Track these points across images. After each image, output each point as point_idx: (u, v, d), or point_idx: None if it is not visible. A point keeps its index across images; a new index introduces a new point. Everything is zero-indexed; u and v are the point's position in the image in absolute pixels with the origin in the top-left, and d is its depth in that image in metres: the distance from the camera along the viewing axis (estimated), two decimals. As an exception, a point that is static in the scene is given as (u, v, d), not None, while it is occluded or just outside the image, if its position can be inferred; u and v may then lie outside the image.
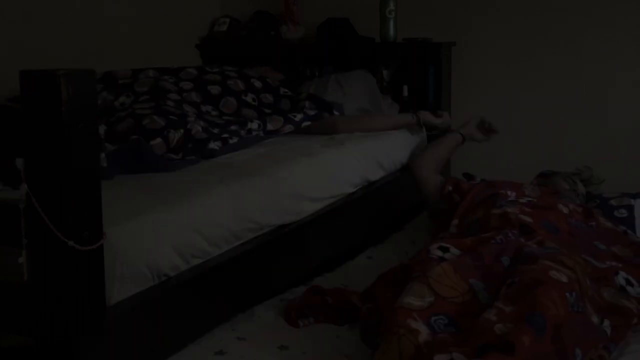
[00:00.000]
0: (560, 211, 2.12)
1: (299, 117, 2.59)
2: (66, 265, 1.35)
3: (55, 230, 1.32)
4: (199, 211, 1.77)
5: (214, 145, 2.21)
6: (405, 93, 3.27)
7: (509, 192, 2.23)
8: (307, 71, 3.38)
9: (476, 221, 2.12)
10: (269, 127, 2.46)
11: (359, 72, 3.11)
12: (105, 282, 1.45)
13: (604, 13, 3.12)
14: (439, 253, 1.86)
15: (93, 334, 1.42)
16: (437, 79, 3.22)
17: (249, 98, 2.51)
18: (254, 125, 2.41)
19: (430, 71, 3.21)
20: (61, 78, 1.30)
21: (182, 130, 2.10)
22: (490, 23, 3.32)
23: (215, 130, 2.27)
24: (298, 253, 2.19)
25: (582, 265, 1.74)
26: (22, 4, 2.66)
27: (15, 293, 1.42)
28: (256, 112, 2.54)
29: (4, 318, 1.46)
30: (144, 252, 1.58)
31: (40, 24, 2.71)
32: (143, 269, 1.58)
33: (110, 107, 2.30)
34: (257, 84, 2.61)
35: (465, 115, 3.38)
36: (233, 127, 2.34)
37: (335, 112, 2.74)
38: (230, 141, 2.31)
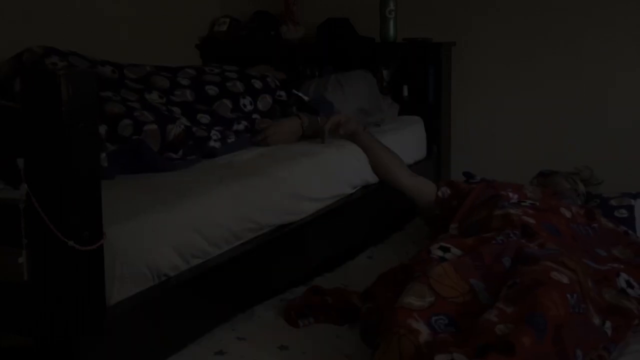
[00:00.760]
0: (563, 215, 2.11)
1: None
2: (66, 265, 1.35)
3: (55, 230, 1.32)
4: (199, 211, 1.77)
5: (214, 143, 2.21)
6: (405, 93, 3.27)
7: (510, 194, 2.23)
8: (307, 71, 3.38)
9: (476, 222, 2.12)
10: (257, 128, 2.46)
11: (359, 72, 3.11)
12: (105, 282, 1.45)
13: (603, 13, 3.12)
14: (440, 253, 1.86)
15: (93, 334, 1.42)
16: (437, 79, 3.22)
17: (247, 101, 2.50)
18: (240, 126, 2.40)
19: (430, 71, 3.21)
20: (61, 78, 1.30)
21: (181, 126, 2.09)
22: (490, 23, 3.32)
23: (203, 128, 2.26)
24: (298, 253, 2.19)
25: (583, 266, 1.74)
26: (22, 4, 2.66)
27: (15, 293, 1.42)
28: (244, 117, 2.50)
29: (4, 318, 1.46)
30: (144, 252, 1.58)
31: (40, 24, 2.71)
32: (143, 269, 1.58)
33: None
34: (258, 84, 2.60)
35: (464, 116, 3.39)
36: (217, 128, 2.33)
37: (322, 115, 2.72)
38: (229, 140, 2.31)
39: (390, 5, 3.21)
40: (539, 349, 1.42)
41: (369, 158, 2.53)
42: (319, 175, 2.31)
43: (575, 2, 3.17)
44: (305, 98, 2.82)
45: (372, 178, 2.60)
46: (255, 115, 2.50)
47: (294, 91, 2.81)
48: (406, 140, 2.98)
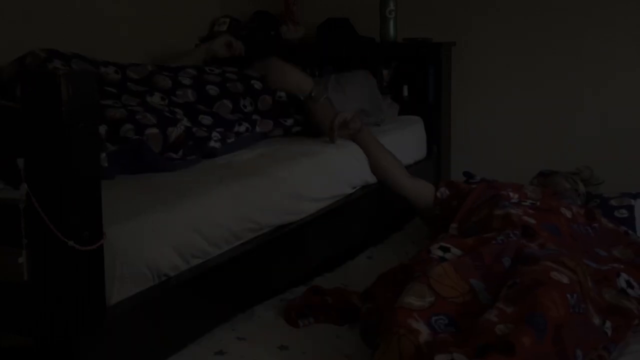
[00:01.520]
0: (564, 215, 2.12)
1: (289, 121, 2.59)
2: (66, 265, 1.35)
3: (55, 230, 1.32)
4: (199, 211, 1.77)
5: (214, 144, 2.21)
6: (405, 93, 3.27)
7: (510, 194, 2.23)
8: (307, 71, 3.38)
9: (474, 224, 2.12)
10: (258, 129, 2.46)
11: (360, 72, 3.11)
12: (105, 282, 1.45)
13: (604, 13, 3.13)
14: (440, 253, 1.86)
15: (93, 334, 1.42)
16: (437, 79, 3.22)
17: (247, 102, 2.50)
18: (241, 128, 2.40)
19: (430, 71, 3.21)
20: (61, 78, 1.30)
21: (182, 127, 2.09)
22: (490, 23, 3.32)
23: (204, 129, 2.26)
24: (298, 253, 2.19)
25: (583, 266, 1.74)
26: (22, 4, 2.66)
27: (15, 293, 1.42)
28: (244, 118, 2.49)
29: (4, 318, 1.46)
30: (144, 252, 1.58)
31: (40, 24, 2.71)
32: (143, 269, 1.58)
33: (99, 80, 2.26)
34: (257, 85, 2.59)
35: (464, 116, 3.39)
36: (219, 129, 2.33)
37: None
38: (229, 140, 2.31)
39: (390, 5, 3.21)
40: (539, 349, 1.42)
41: (368, 158, 2.53)
42: (319, 175, 2.32)
43: (575, 2, 3.17)
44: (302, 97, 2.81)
45: (371, 178, 2.60)
46: (255, 116, 2.50)
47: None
48: (406, 140, 2.98)
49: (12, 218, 1.37)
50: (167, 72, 2.48)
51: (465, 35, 3.33)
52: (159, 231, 1.64)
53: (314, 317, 1.90)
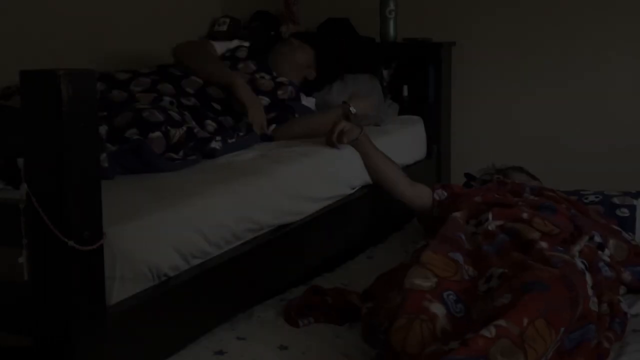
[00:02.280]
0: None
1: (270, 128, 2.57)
2: (66, 265, 1.35)
3: (55, 230, 1.32)
4: (199, 211, 1.77)
5: (215, 144, 2.21)
6: (405, 93, 3.27)
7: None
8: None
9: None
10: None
11: (366, 76, 3.11)
12: (105, 282, 1.45)
13: (604, 13, 3.13)
14: None
15: (93, 334, 1.42)
16: (437, 79, 3.22)
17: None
18: (242, 132, 2.40)
19: (430, 71, 3.21)
20: (61, 78, 1.30)
21: (184, 128, 2.09)
22: (490, 23, 3.32)
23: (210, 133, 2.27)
24: (298, 253, 2.19)
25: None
26: (22, 4, 2.66)
27: (15, 293, 1.42)
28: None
29: (4, 318, 1.46)
30: (144, 252, 1.58)
31: (40, 23, 2.71)
32: (143, 269, 1.58)
33: (105, 100, 2.27)
34: (265, 101, 2.59)
35: (464, 116, 3.39)
36: (206, 132, 2.32)
37: (296, 114, 2.70)
38: (230, 140, 2.31)
39: (390, 5, 3.21)
40: (549, 296, 1.50)
41: (367, 166, 2.50)
42: (319, 175, 2.31)
43: (576, 2, 3.17)
44: (311, 104, 2.83)
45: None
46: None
47: (304, 100, 2.81)
48: (406, 140, 2.98)
49: (12, 218, 1.37)
50: (169, 79, 2.49)
51: (465, 35, 3.33)
52: (159, 231, 1.64)
53: (314, 317, 1.90)
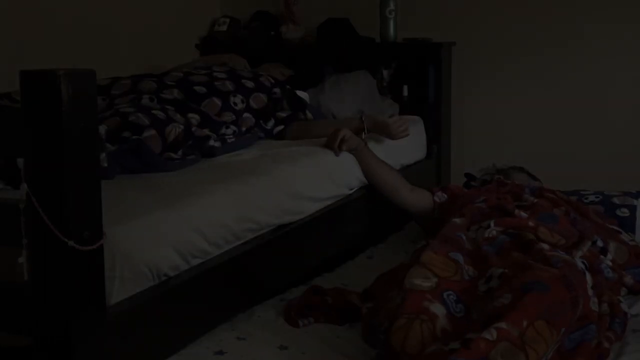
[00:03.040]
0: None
1: (270, 124, 2.58)
2: (66, 265, 1.35)
3: (55, 230, 1.32)
4: (199, 211, 1.77)
5: (214, 143, 2.20)
6: (405, 93, 3.27)
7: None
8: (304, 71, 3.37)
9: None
10: (243, 129, 2.46)
11: (358, 72, 3.11)
12: (105, 282, 1.45)
13: (604, 12, 3.13)
14: None
15: (93, 334, 1.42)
16: (437, 79, 3.22)
17: (238, 99, 2.49)
18: (228, 131, 2.39)
19: (430, 71, 3.21)
20: (61, 78, 1.30)
21: (181, 126, 2.09)
22: (490, 23, 3.32)
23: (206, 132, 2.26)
24: (298, 253, 2.19)
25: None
26: (22, 4, 2.66)
27: (15, 293, 1.42)
28: (234, 116, 2.45)
29: (4, 318, 1.46)
30: (144, 252, 1.58)
31: (40, 23, 2.71)
32: (143, 269, 1.58)
33: None
34: (249, 84, 2.59)
35: (464, 116, 3.39)
36: (206, 130, 2.30)
37: (308, 113, 2.71)
38: (229, 140, 2.31)
39: (390, 5, 3.21)
40: (549, 299, 1.51)
41: (367, 175, 2.50)
42: (319, 175, 2.32)
43: (576, 2, 3.17)
44: (305, 98, 2.81)
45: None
46: (246, 114, 2.48)
47: (298, 92, 2.80)
48: (406, 140, 2.98)
49: (12, 218, 1.37)
50: (150, 77, 2.48)
51: (465, 35, 3.33)
52: (159, 231, 1.64)
53: (314, 317, 1.90)
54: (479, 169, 2.75)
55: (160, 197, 1.73)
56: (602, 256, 1.99)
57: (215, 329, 1.81)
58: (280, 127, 2.60)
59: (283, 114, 2.62)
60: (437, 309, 1.61)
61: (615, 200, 2.42)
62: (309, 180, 2.25)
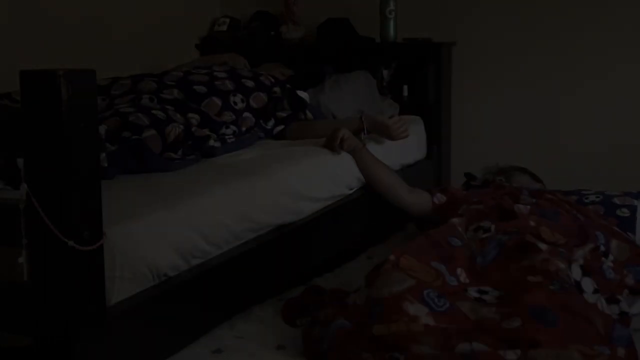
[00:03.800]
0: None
1: (270, 123, 2.58)
2: (66, 265, 1.35)
3: (55, 230, 1.32)
4: (199, 211, 1.77)
5: (214, 143, 2.21)
6: (405, 93, 3.27)
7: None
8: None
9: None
10: (243, 129, 2.45)
11: (358, 72, 3.11)
12: (105, 282, 1.45)
13: (604, 12, 3.12)
14: None
15: (93, 334, 1.42)
16: (437, 79, 3.22)
17: (238, 99, 2.49)
18: (228, 131, 2.38)
19: (430, 71, 3.21)
20: (61, 78, 1.30)
21: (181, 126, 2.09)
22: (490, 23, 3.32)
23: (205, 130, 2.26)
24: (298, 253, 2.19)
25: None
26: (22, 3, 2.66)
27: (15, 293, 1.42)
28: (234, 115, 2.45)
29: (4, 318, 1.46)
30: (144, 252, 1.58)
31: (40, 23, 2.71)
32: (143, 269, 1.58)
33: None
34: (249, 83, 2.59)
35: (464, 116, 3.39)
36: (206, 130, 2.29)
37: (308, 113, 2.72)
38: (229, 140, 2.31)
39: (390, 5, 3.21)
40: (556, 336, 1.50)
41: (365, 175, 2.49)
42: (319, 175, 2.32)
43: (575, 2, 3.17)
44: (305, 98, 2.81)
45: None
46: (246, 114, 2.48)
47: (298, 92, 2.80)
48: (406, 140, 2.98)
49: (12, 218, 1.37)
50: (150, 77, 2.49)
51: (465, 35, 3.33)
52: (159, 231, 1.64)
53: (312, 315, 1.90)
54: (482, 167, 2.75)
55: (160, 197, 1.73)
56: (603, 258, 1.99)
57: (215, 328, 1.81)
58: (281, 127, 2.60)
59: (283, 114, 2.62)
60: (418, 310, 1.59)
61: (616, 201, 2.42)
62: (309, 180, 2.25)
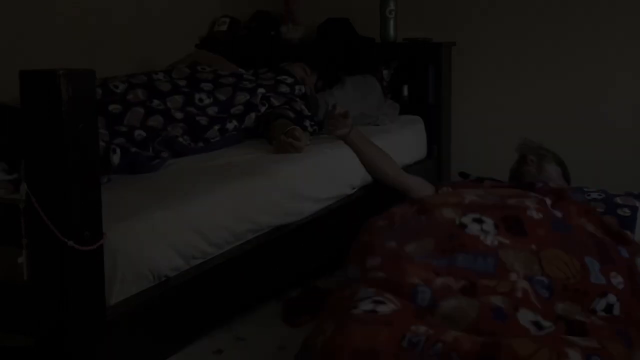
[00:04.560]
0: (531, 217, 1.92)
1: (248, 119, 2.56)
2: (66, 265, 1.35)
3: (55, 230, 1.32)
4: (199, 211, 1.77)
5: (183, 140, 2.23)
6: (405, 93, 3.27)
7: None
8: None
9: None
10: (247, 124, 2.51)
11: (366, 76, 3.11)
12: (105, 282, 1.45)
13: (604, 12, 3.12)
14: None
15: (93, 335, 1.42)
16: (437, 79, 3.22)
17: (246, 84, 2.58)
18: (231, 125, 2.43)
19: (430, 71, 3.21)
20: (61, 78, 1.30)
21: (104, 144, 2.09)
22: (490, 23, 3.32)
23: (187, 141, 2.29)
24: (298, 253, 2.19)
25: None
26: (22, 3, 2.66)
27: (15, 293, 1.42)
28: (249, 95, 2.54)
29: (4, 318, 1.47)
30: (144, 252, 1.58)
31: (40, 23, 2.71)
32: (143, 269, 1.58)
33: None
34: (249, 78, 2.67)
35: (464, 116, 3.39)
36: (216, 127, 2.37)
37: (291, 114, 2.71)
38: (213, 140, 2.33)
39: (390, 5, 3.21)
40: None
41: (360, 157, 2.46)
42: (319, 176, 2.32)
43: (575, 2, 3.17)
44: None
45: (371, 178, 2.60)
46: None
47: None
48: (406, 140, 2.98)
49: (12, 218, 1.37)
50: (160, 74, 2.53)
51: (465, 35, 3.33)
52: (159, 231, 1.64)
53: (312, 317, 1.90)
54: (521, 138, 2.63)
55: (160, 197, 1.73)
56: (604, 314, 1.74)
57: (215, 328, 1.81)
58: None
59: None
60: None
61: (618, 200, 2.42)
62: (309, 180, 2.25)
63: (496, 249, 1.72)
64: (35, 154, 1.35)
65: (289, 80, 2.81)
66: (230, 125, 2.41)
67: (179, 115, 2.32)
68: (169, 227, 1.67)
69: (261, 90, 2.60)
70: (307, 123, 2.59)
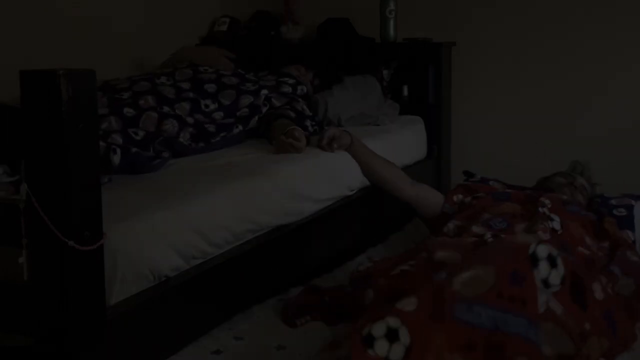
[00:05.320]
0: (581, 253, 1.94)
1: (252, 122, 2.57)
2: (66, 265, 1.35)
3: (55, 230, 1.32)
4: (200, 211, 1.77)
5: (182, 139, 2.23)
6: (405, 93, 3.27)
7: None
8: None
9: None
10: (251, 126, 2.51)
11: (366, 76, 3.11)
12: (105, 282, 1.45)
13: (604, 12, 3.13)
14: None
15: (93, 334, 1.42)
16: (437, 79, 3.22)
17: (248, 86, 2.57)
18: (237, 130, 2.44)
19: (430, 71, 3.21)
20: (61, 78, 1.30)
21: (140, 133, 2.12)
22: (490, 23, 3.32)
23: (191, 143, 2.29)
24: (297, 253, 2.19)
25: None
26: (22, 3, 2.66)
27: (15, 293, 1.42)
28: (252, 97, 2.55)
29: (4, 318, 1.47)
30: (144, 252, 1.58)
31: (40, 23, 2.71)
32: (143, 269, 1.58)
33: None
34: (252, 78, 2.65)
35: (464, 116, 3.39)
36: (222, 134, 2.37)
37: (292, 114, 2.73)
38: (213, 140, 2.33)
39: (390, 5, 3.21)
40: None
41: (364, 169, 2.47)
42: (319, 176, 2.32)
43: (575, 2, 3.17)
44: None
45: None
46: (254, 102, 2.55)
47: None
48: (406, 140, 2.98)
49: (12, 218, 1.37)
50: (164, 76, 2.53)
51: (465, 35, 3.33)
52: (159, 231, 1.64)
53: (311, 316, 1.90)
54: (571, 161, 2.62)
55: (160, 197, 1.73)
56: None
57: (214, 328, 1.81)
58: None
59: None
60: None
61: (613, 202, 2.43)
62: (309, 180, 2.25)
63: None
64: (36, 154, 1.35)
65: (291, 80, 2.81)
66: (236, 131, 2.43)
67: (190, 120, 2.34)
68: (169, 227, 1.67)
69: (264, 92, 2.60)
70: (308, 123, 2.59)
